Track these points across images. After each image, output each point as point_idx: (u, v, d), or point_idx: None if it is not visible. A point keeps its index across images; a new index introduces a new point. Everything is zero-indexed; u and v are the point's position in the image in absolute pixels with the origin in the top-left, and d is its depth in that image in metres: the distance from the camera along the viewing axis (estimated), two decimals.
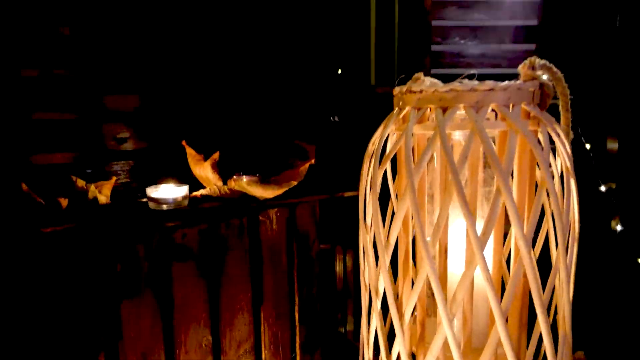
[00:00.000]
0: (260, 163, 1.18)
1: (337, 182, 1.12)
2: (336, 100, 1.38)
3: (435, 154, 0.71)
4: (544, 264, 0.69)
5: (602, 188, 1.74)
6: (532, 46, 2.25)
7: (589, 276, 1.75)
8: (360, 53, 1.67)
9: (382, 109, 0.81)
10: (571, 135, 0.77)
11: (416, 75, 0.81)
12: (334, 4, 1.38)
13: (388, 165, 0.76)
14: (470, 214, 0.56)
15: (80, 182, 0.97)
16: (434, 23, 2.16)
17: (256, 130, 1.29)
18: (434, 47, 2.20)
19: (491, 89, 0.61)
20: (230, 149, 1.21)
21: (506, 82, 0.61)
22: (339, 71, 1.37)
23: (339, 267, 1.32)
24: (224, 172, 1.05)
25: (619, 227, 1.73)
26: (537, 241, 0.76)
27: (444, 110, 0.63)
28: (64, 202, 0.94)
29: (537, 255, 0.77)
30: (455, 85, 0.62)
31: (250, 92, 1.34)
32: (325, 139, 1.27)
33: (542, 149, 0.60)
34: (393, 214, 0.77)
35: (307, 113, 1.35)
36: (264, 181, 0.97)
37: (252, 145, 1.27)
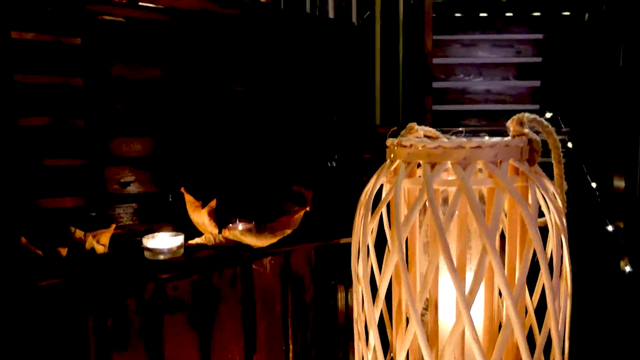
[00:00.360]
0: (258, 207, 1.19)
1: (333, 228, 1.12)
2: (339, 142, 1.39)
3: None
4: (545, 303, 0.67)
5: (610, 228, 1.71)
6: (537, 83, 2.27)
7: (599, 319, 1.71)
8: (366, 94, 1.70)
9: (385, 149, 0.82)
10: (565, 187, 0.77)
11: (410, 125, 0.82)
12: (337, 48, 1.41)
13: (384, 211, 0.77)
14: (456, 273, 0.55)
15: (79, 233, 0.98)
16: (439, 61, 2.19)
17: (255, 174, 1.31)
18: (440, 84, 2.24)
19: (478, 146, 0.61)
20: (230, 192, 1.23)
21: (493, 139, 0.62)
22: (335, 117, 1.39)
23: (340, 304, 1.31)
24: (223, 215, 1.06)
25: (628, 268, 1.69)
26: (536, 288, 0.75)
27: (433, 165, 0.63)
28: (64, 251, 0.95)
29: (536, 303, 0.76)
30: (443, 141, 0.62)
31: (250, 137, 1.36)
32: (323, 183, 1.28)
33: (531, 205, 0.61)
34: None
35: (305, 158, 1.37)
36: (259, 230, 0.98)
37: (251, 189, 1.29)
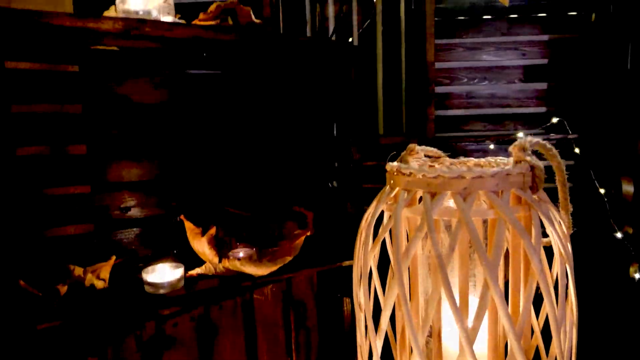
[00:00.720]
0: (259, 229, 1.17)
1: (335, 250, 1.09)
2: (341, 158, 1.38)
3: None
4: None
5: (619, 234, 1.69)
6: (544, 85, 2.23)
7: (608, 327, 1.68)
8: (368, 105, 1.68)
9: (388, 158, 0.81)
10: (570, 208, 0.76)
11: (410, 146, 0.81)
12: (337, 68, 1.39)
13: (387, 234, 0.76)
14: (458, 311, 0.54)
15: (78, 270, 0.98)
16: (443, 65, 2.17)
17: (255, 195, 1.29)
18: (443, 89, 2.21)
19: (479, 177, 0.59)
20: (231, 213, 1.21)
21: (494, 169, 0.61)
22: (335, 132, 1.38)
23: (346, 315, 1.29)
24: (224, 238, 1.04)
25: (637, 275, 1.66)
26: (542, 307, 0.74)
27: (433, 194, 0.62)
28: (63, 289, 0.94)
29: (542, 323, 0.75)
30: (443, 170, 0.61)
31: (250, 158, 1.35)
32: (324, 204, 1.26)
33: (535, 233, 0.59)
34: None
35: (306, 179, 1.35)
36: (259, 257, 0.96)
37: (251, 210, 1.27)
